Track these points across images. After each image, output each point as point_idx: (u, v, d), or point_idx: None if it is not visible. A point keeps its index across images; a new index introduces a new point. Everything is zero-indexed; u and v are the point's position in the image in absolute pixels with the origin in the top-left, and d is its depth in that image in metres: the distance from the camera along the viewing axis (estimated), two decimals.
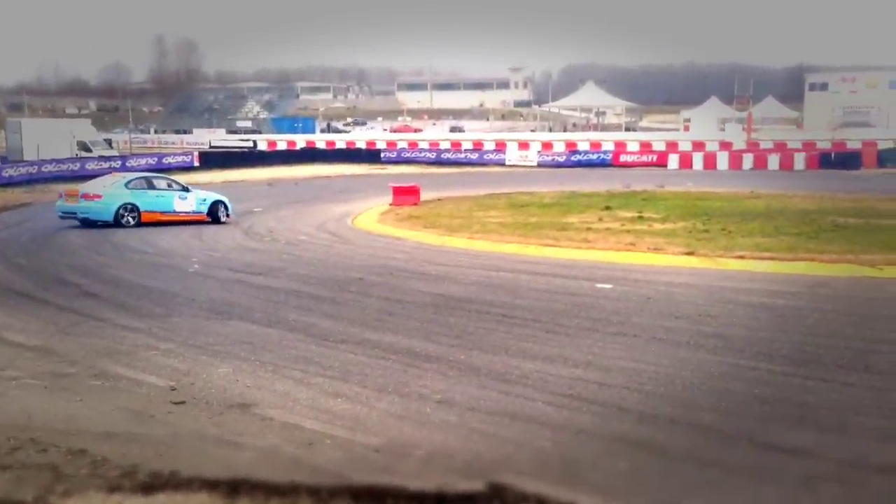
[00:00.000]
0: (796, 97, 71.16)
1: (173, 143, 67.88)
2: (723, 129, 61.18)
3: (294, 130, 71.20)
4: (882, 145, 42.24)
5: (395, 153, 47.68)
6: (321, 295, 10.09)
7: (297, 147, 52.42)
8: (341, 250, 14.73)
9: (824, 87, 67.63)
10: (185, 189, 19.37)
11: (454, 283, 10.89)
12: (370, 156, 47.20)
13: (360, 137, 58.50)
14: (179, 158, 40.99)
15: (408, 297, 9.88)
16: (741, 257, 12.42)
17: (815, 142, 46.56)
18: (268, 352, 7.15)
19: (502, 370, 6.47)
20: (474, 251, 14.25)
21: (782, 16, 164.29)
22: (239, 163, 42.26)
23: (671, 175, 34.95)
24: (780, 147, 44.76)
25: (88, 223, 18.01)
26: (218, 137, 68.59)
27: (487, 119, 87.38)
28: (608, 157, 43.57)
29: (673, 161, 41.51)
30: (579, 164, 42.82)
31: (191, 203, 19.11)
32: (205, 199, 19.41)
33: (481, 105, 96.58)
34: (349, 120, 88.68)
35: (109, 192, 18.39)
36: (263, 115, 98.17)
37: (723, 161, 40.67)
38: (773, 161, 39.85)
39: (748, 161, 40.27)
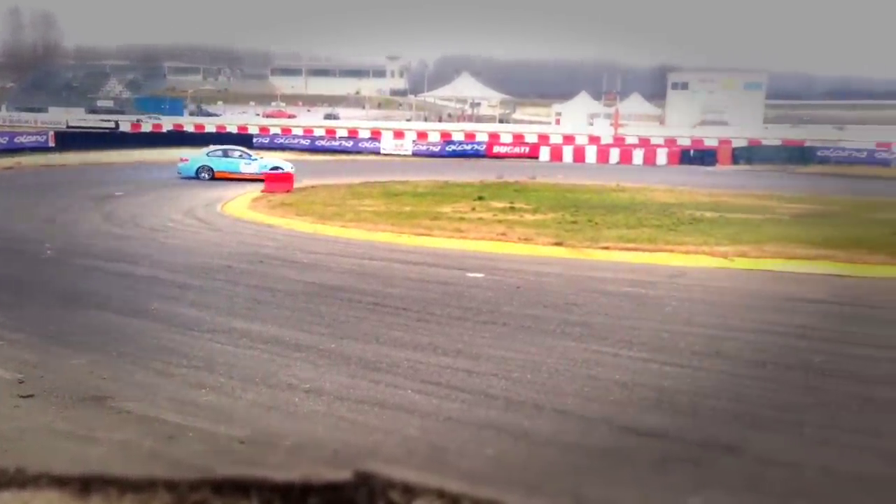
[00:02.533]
0: (660, 95, 74.24)
1: (27, 122, 63.82)
2: (592, 124, 63.11)
3: (160, 112, 68.39)
4: (736, 143, 44.70)
5: (268, 139, 46.61)
6: (187, 283, 9.75)
7: (164, 129, 50.41)
8: (209, 237, 14.29)
9: (685, 86, 70.80)
10: (252, 158, 27.03)
11: (326, 272, 10.77)
12: (242, 141, 45.91)
13: (231, 122, 56.83)
14: (33, 138, 38.47)
15: (278, 285, 9.70)
16: (606, 248, 12.87)
17: (675, 138, 48.77)
18: (127, 342, 6.85)
19: (373, 359, 6.46)
20: (347, 239, 14.14)
21: (648, 16, 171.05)
22: (99, 144, 40.11)
23: (542, 167, 35.83)
24: (644, 142, 46.65)
25: (184, 177, 25.85)
26: (76, 117, 64.87)
27: (363, 107, 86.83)
28: (482, 148, 44.17)
29: (544, 153, 42.57)
30: (454, 155, 43.22)
31: (254, 167, 26.10)
32: (266, 165, 26.21)
33: (357, 93, 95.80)
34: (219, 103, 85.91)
35: (194, 158, 27.16)
36: (127, 94, 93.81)
37: (591, 155, 42.00)
38: (638, 156, 41.52)
39: (615, 155, 41.77)
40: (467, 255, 12.41)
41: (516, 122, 73.79)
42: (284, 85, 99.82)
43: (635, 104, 70.59)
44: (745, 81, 68.24)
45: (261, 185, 22.52)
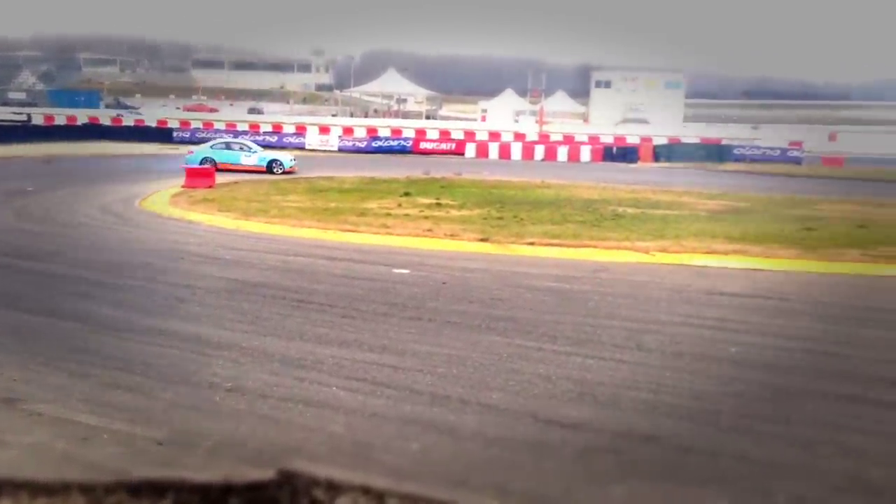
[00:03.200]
0: (584, 93, 75.49)
1: None
2: (517, 121, 63.76)
3: (75, 104, 66.11)
4: (657, 141, 45.79)
5: (189, 133, 45.58)
6: (103, 281, 9.46)
7: (79, 122, 48.79)
8: (127, 234, 13.90)
9: (608, 84, 72.19)
10: (252, 150, 28.73)
11: (249, 268, 10.59)
12: (161, 135, 44.84)
13: (149, 115, 55.35)
14: None
15: (199, 282, 9.49)
16: (531, 244, 13.00)
17: (599, 136, 49.66)
18: (38, 342, 6.60)
19: (297, 356, 6.37)
20: (271, 236, 13.94)
21: (573, 15, 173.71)
22: (10, 137, 38.58)
23: (469, 163, 36.01)
24: (568, 140, 47.35)
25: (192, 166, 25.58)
26: None
27: (288, 102, 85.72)
28: (408, 145, 44.14)
29: (470, 150, 42.79)
30: (380, 151, 43.07)
31: (253, 160, 28.16)
32: (264, 158, 28.46)
33: (282, 87, 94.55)
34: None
35: (198, 150, 28.87)
36: (40, 86, 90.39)
37: (517, 151, 42.41)
38: (563, 153, 42.12)
39: (540, 152, 42.27)
40: (393, 252, 12.38)
41: (443, 118, 73.93)
42: (206, 78, 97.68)
43: (560, 102, 71.62)
44: (666, 81, 69.96)
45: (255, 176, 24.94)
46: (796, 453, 4.61)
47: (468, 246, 12.93)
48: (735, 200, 20.86)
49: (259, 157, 28.47)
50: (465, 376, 5.93)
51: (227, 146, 29.21)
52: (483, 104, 75.52)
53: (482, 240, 13.30)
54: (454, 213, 16.83)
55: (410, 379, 5.86)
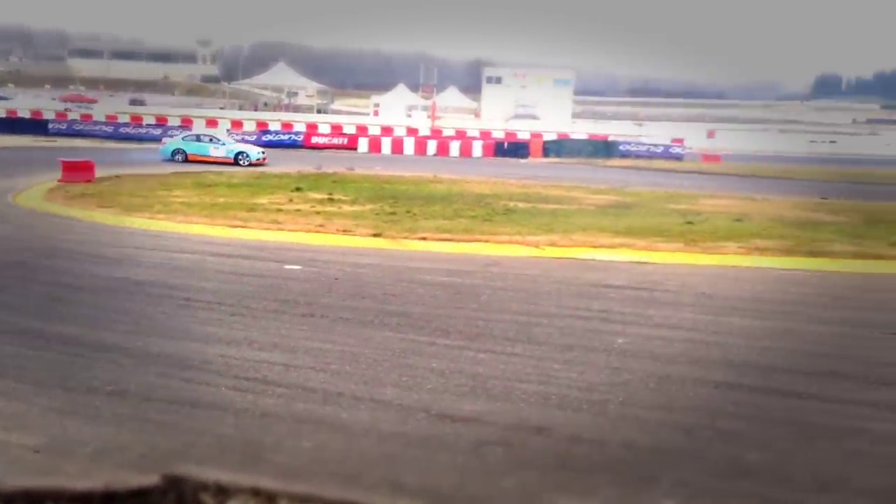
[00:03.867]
0: (475, 89, 76.15)
1: None
2: (410, 116, 63.76)
3: None
4: (547, 137, 46.70)
5: (66, 125, 43.50)
6: None
7: None
8: None
9: (499, 80, 73.01)
10: (221, 143, 30.00)
11: (133, 266, 10.19)
12: (35, 126, 42.60)
13: (23, 106, 52.46)
14: None
15: (79, 281, 9.07)
16: (424, 238, 13.05)
17: (490, 131, 50.25)
18: None
19: (183, 356, 6.17)
20: (157, 232, 13.48)
21: (465, 10, 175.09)
22: None
23: (361, 158, 35.81)
24: (460, 135, 47.71)
25: (163, 159, 28.87)
26: None
27: (173, 93, 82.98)
28: (300, 139, 43.48)
29: (363, 144, 42.53)
30: (270, 145, 42.12)
31: (222, 152, 29.37)
32: (232, 150, 29.63)
33: (165, 78, 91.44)
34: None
35: (170, 141, 30.65)
36: None
37: (409, 146, 42.43)
38: (455, 148, 42.41)
39: (432, 147, 42.43)
40: (284, 248, 12.18)
41: (334, 112, 73.18)
42: (84, 67, 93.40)
43: (452, 97, 72.02)
44: (555, 78, 71.31)
45: (224, 168, 26.00)
46: (679, 439, 4.79)
47: (361, 241, 12.86)
48: (621, 195, 21.52)
49: (227, 149, 29.71)
50: (358, 373, 5.89)
51: (198, 138, 30.84)
52: (375, 99, 75.10)
53: (375, 235, 13.25)
54: (346, 208, 16.71)
55: (302, 377, 5.77)
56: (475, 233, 13.62)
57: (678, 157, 43.73)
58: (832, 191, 23.97)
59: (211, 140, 30.45)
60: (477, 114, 71.50)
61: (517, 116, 64.66)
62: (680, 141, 47.69)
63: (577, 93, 74.80)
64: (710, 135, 58.73)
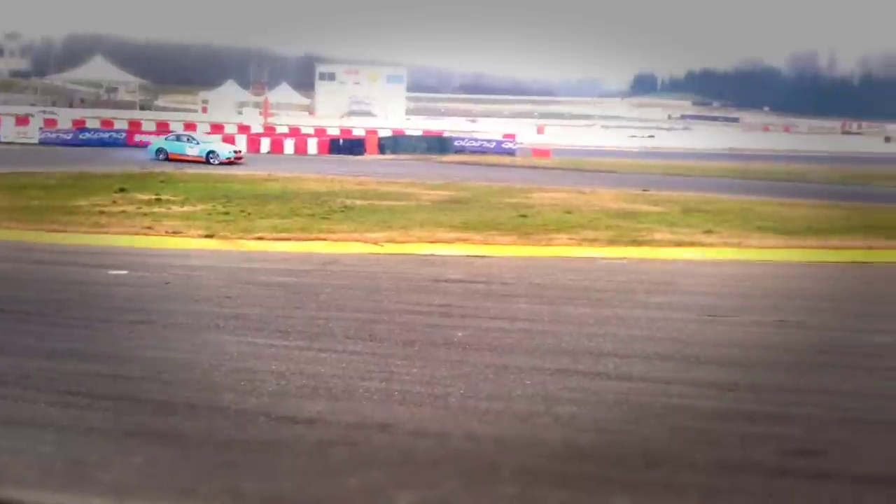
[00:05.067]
0: (308, 85, 75.24)
1: None
2: (241, 113, 62.10)
3: None
4: (382, 133, 46.78)
5: None
6: None
7: None
8: None
9: (332, 77, 72.49)
10: (196, 142, 31.02)
11: None
12: None
13: None
14: None
15: None
16: (260, 238, 12.75)
17: (325, 128, 49.74)
18: None
19: None
20: None
21: (297, 4, 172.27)
22: None
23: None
24: (294, 132, 46.90)
25: (149, 158, 29.79)
26: None
27: None
28: (122, 137, 41.15)
29: None
30: (89, 143, 39.72)
31: (195, 150, 30.11)
32: (203, 149, 30.19)
33: None
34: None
35: (156, 141, 32.23)
36: None
37: (242, 144, 41.24)
38: (289, 145, 41.64)
39: (266, 145, 41.45)
40: (109, 252, 11.55)
41: (159, 109, 70.06)
42: None
43: (284, 94, 70.77)
44: (388, 74, 71.62)
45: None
46: (518, 427, 4.92)
47: (193, 243, 12.39)
48: (457, 190, 21.90)
49: (200, 148, 30.48)
50: (193, 380, 5.65)
51: (178, 138, 32.19)
52: (204, 95, 72.59)
53: (207, 236, 12.80)
54: (176, 209, 16.03)
55: (133, 388, 5.47)
56: (313, 231, 13.45)
57: (510, 153, 44.99)
58: (652, 183, 25.47)
59: (188, 140, 31.57)
60: (311, 111, 70.69)
61: (352, 113, 64.48)
62: (512, 136, 49.09)
63: (410, 89, 75.49)
64: (540, 130, 60.98)
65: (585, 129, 70.03)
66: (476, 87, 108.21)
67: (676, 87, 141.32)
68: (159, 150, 30.91)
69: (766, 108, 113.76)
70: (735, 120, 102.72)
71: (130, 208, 15.72)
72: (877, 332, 7.63)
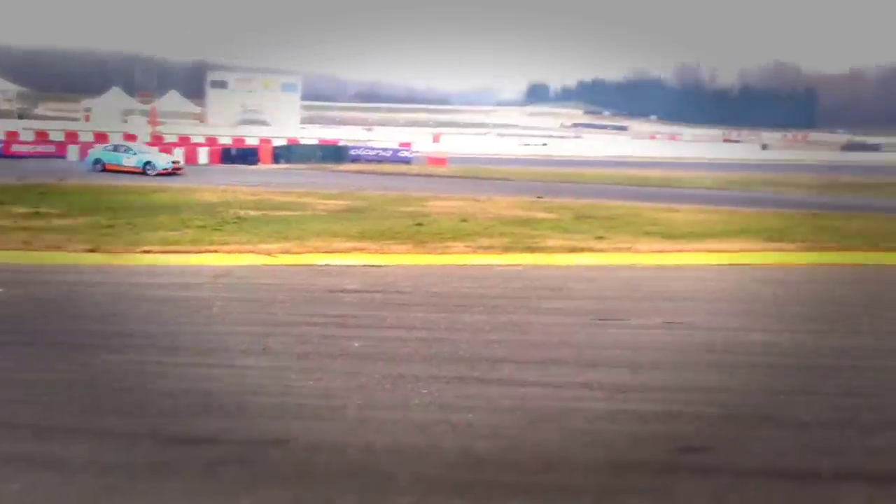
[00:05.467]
0: (199, 93, 73.36)
1: None
2: (126, 121, 59.95)
3: None
4: (276, 142, 46.08)
5: None
6: None
7: None
8: None
9: (224, 85, 70.87)
10: (133, 153, 30.57)
11: None
12: None
13: None
14: None
15: None
16: (148, 251, 12.31)
17: (217, 137, 48.61)
18: None
19: None
20: None
21: (186, 10, 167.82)
22: None
23: (73, 167, 32.97)
24: (184, 141, 45.59)
25: (87, 169, 29.83)
26: None
27: None
28: None
29: (73, 152, 39.06)
30: None
31: (133, 161, 29.83)
32: (140, 160, 29.90)
33: None
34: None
35: (93, 151, 31.96)
36: None
37: None
38: (178, 154, 40.46)
39: None
40: None
41: (39, 118, 66.85)
42: None
43: (173, 102, 68.78)
44: (283, 82, 70.62)
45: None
46: (415, 436, 4.90)
47: (75, 258, 11.83)
48: (353, 200, 21.75)
49: (137, 158, 30.24)
50: (74, 402, 5.39)
51: (115, 148, 31.92)
52: (87, 103, 69.78)
53: (91, 250, 12.25)
54: (57, 222, 15.29)
55: (8, 412, 5.18)
56: (204, 243, 13.08)
57: (407, 161, 45.09)
58: (546, 190, 25.98)
59: (126, 150, 31.28)
60: (202, 119, 68.92)
61: (245, 122, 63.22)
62: (408, 145, 49.22)
63: (305, 98, 74.70)
64: (436, 139, 61.39)
65: (481, 138, 70.94)
66: (372, 96, 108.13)
67: (568, 96, 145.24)
68: (97, 161, 30.68)
69: (653, 118, 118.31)
70: (624, 128, 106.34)
71: (6, 222, 14.90)
72: (756, 331, 7.99)
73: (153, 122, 51.42)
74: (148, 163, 30.08)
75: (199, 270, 11.18)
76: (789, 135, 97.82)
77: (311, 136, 53.17)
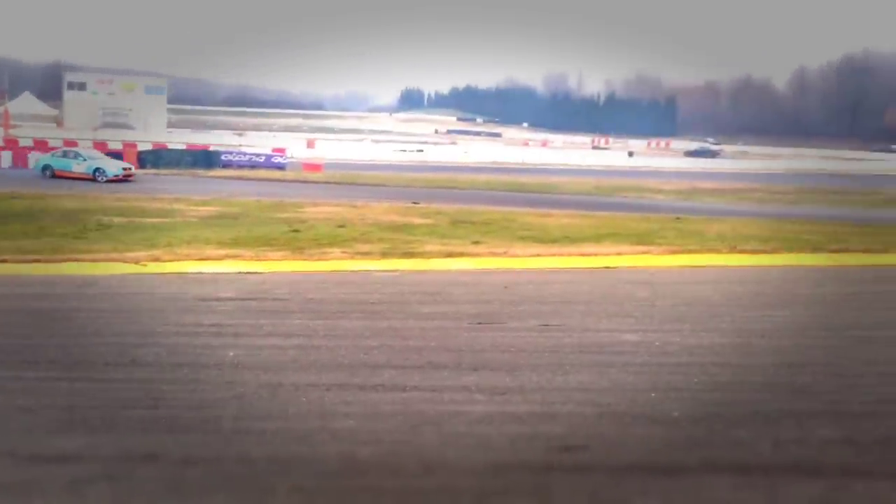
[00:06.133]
0: (55, 95, 69.65)
1: None
2: None
3: None
4: (141, 147, 44.33)
5: None
6: None
7: None
8: None
9: (83, 86, 67.48)
10: (83, 159, 30.23)
11: None
12: None
13: None
14: None
15: None
16: (3, 261, 11.59)
17: (77, 141, 46.25)
18: None
19: None
20: None
21: (43, 9, 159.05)
22: None
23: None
24: (41, 145, 43.15)
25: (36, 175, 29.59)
26: None
27: None
28: None
29: None
30: None
31: (82, 167, 29.42)
32: (91, 166, 29.42)
33: None
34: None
35: (42, 157, 31.98)
36: None
37: None
38: (33, 159, 38.26)
39: (7, 158, 37.86)
40: None
41: None
42: None
43: (27, 104, 65.18)
44: (147, 85, 68.03)
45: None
46: (295, 446, 4.80)
47: None
48: (226, 206, 21.21)
49: (87, 164, 29.58)
50: None
51: (65, 154, 31.35)
52: None
53: None
54: None
55: None
56: (65, 252, 12.43)
57: (281, 167, 44.33)
58: (422, 196, 26.14)
59: (75, 156, 30.67)
60: (59, 122, 65.48)
61: (106, 125, 60.49)
62: (282, 150, 48.41)
63: (172, 101, 72.23)
64: (310, 144, 60.64)
65: (356, 144, 70.62)
66: (242, 100, 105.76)
67: (442, 102, 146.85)
68: (46, 168, 30.11)
69: (525, 124, 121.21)
70: (498, 135, 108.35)
71: None
72: (627, 332, 8.29)
73: (5, 126, 48.42)
74: (98, 169, 29.40)
75: (62, 280, 10.63)
76: (653, 142, 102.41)
77: (178, 140, 51.42)
